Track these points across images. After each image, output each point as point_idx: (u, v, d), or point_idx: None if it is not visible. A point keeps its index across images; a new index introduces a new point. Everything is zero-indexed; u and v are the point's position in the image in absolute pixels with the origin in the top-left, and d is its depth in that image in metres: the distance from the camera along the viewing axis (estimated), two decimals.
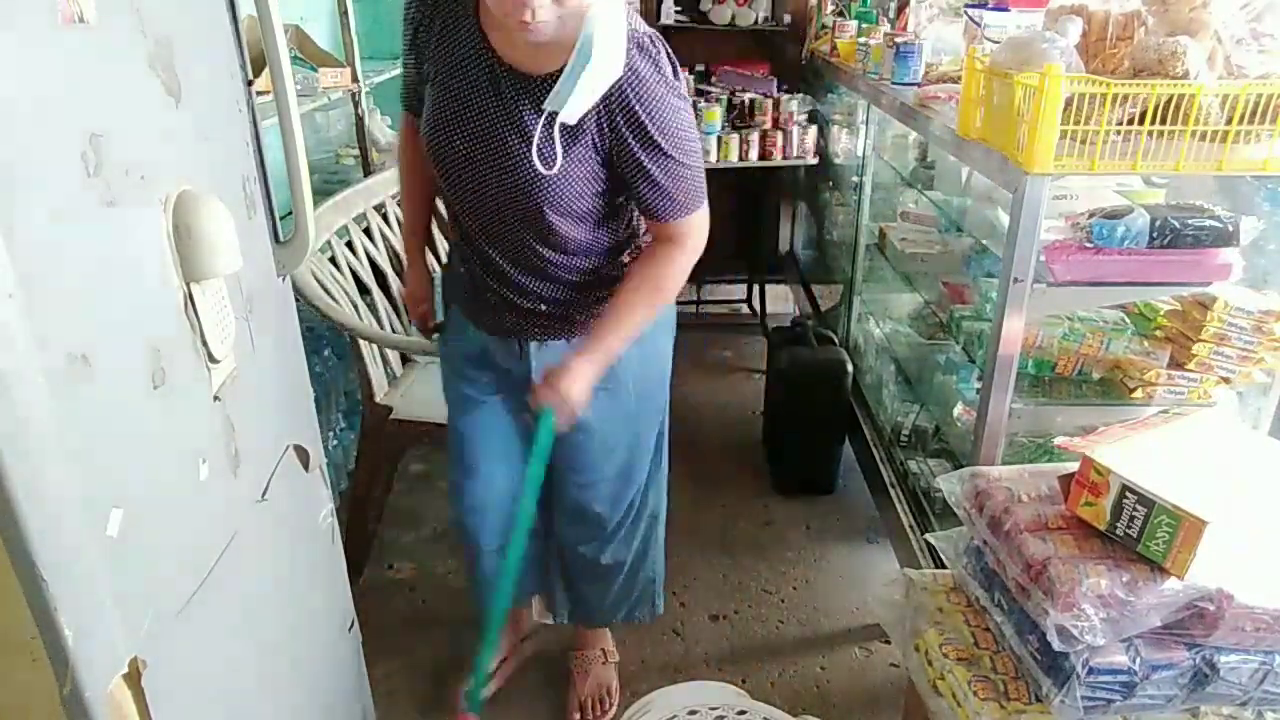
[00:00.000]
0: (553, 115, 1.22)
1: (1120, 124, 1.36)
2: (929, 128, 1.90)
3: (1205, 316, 1.54)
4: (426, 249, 1.73)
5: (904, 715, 1.56)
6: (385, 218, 2.36)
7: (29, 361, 0.62)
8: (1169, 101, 1.32)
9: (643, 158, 1.27)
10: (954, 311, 1.99)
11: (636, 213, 1.44)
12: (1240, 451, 1.28)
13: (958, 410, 1.95)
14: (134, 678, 0.75)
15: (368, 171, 2.65)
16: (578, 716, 1.86)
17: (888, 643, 2.03)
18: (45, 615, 0.66)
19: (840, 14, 3.31)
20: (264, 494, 1.06)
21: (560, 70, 1.19)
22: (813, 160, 3.30)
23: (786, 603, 2.23)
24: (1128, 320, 1.70)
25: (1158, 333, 1.66)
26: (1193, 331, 1.57)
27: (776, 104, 3.19)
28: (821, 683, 1.97)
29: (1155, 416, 1.36)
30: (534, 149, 1.24)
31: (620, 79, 1.20)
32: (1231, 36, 1.42)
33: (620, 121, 1.24)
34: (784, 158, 3.25)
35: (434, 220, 1.80)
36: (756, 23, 3.62)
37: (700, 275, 4.08)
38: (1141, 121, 1.36)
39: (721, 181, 3.75)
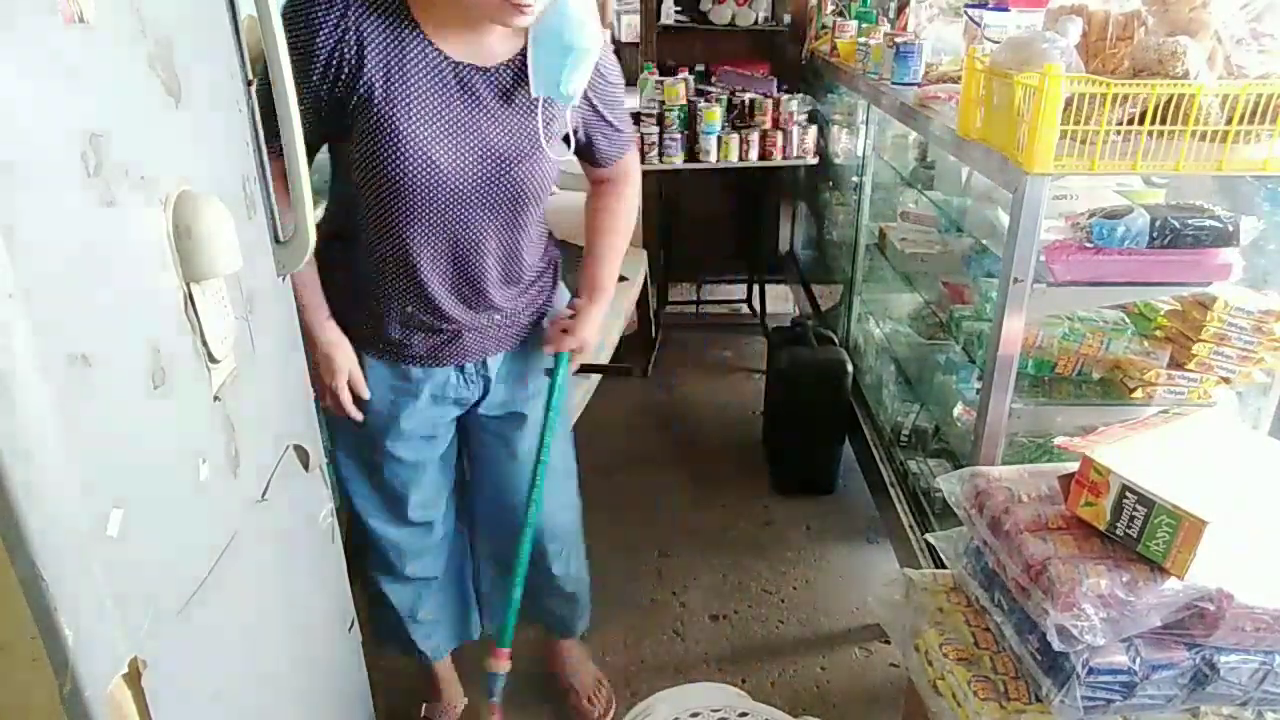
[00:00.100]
0: (547, 101, 1.26)
1: (1120, 124, 1.36)
2: (929, 128, 1.90)
3: (1205, 316, 1.54)
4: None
5: (904, 715, 1.56)
6: None
7: (29, 361, 0.62)
8: (1169, 101, 1.33)
9: (605, 113, 1.38)
10: (954, 311, 1.99)
11: None
12: (1240, 451, 1.28)
13: (958, 410, 1.95)
14: (134, 678, 0.74)
15: None
16: (589, 706, 1.87)
17: (888, 643, 2.03)
18: (45, 615, 0.66)
19: (840, 14, 3.31)
20: (264, 494, 1.06)
21: (515, 56, 1.23)
22: (813, 160, 3.30)
23: (786, 603, 2.23)
24: (1128, 320, 1.70)
25: (1158, 333, 1.66)
26: (1193, 331, 1.57)
27: (776, 104, 3.19)
28: (821, 683, 1.97)
29: (1155, 416, 1.36)
30: (543, 137, 1.27)
31: None
32: (1231, 36, 1.42)
33: (590, 87, 1.31)
34: (784, 158, 3.26)
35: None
36: (756, 23, 3.63)
37: (700, 275, 4.10)
38: (1141, 121, 1.36)
39: (721, 181, 3.80)
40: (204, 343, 0.89)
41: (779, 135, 3.21)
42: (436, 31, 1.18)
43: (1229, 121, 1.32)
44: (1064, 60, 1.41)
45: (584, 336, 1.49)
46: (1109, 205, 1.52)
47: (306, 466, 1.22)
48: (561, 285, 1.56)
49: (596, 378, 2.06)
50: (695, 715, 1.28)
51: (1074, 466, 1.21)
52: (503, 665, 1.58)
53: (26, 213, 0.63)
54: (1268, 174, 1.41)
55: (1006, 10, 1.99)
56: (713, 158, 3.19)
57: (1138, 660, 1.11)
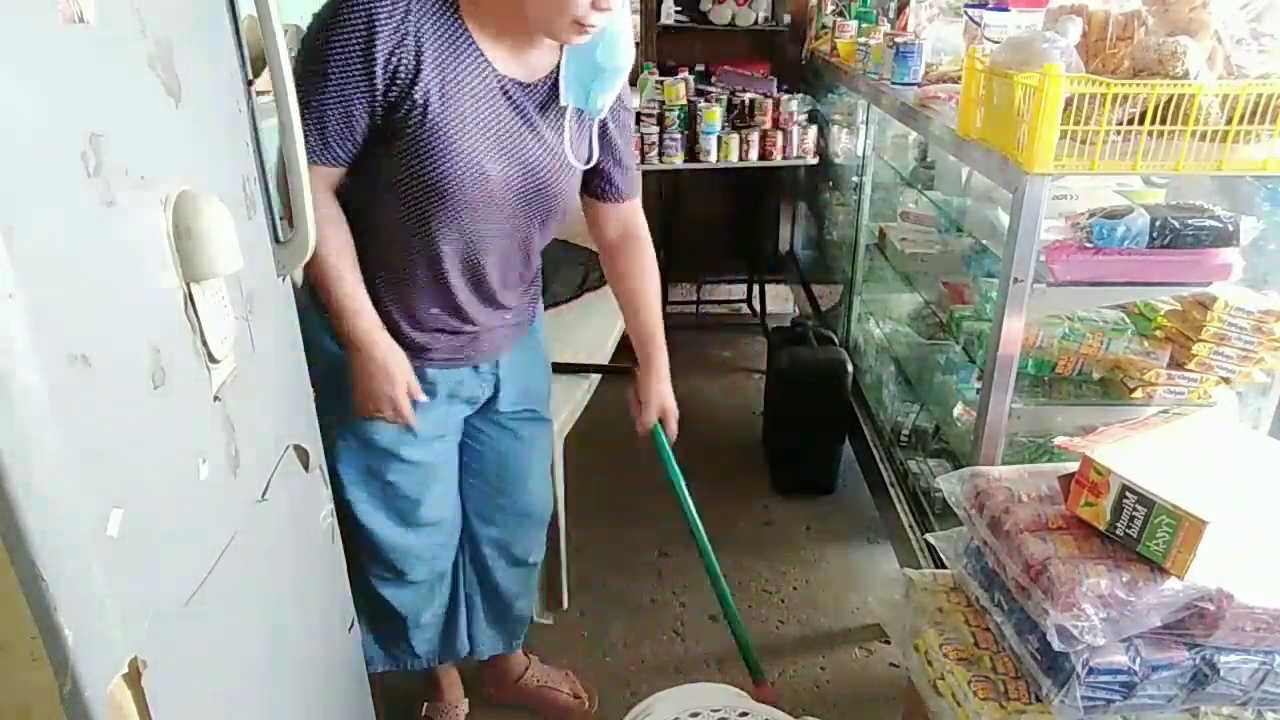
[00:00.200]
0: (578, 112, 1.29)
1: (1120, 124, 1.36)
2: (929, 128, 1.90)
3: (1205, 316, 1.54)
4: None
5: (904, 715, 1.56)
6: None
7: (29, 361, 0.62)
8: (1169, 101, 1.33)
9: (618, 140, 1.41)
10: (954, 311, 1.99)
11: None
12: (1240, 451, 1.28)
13: (958, 410, 1.95)
14: (134, 678, 0.74)
15: None
16: (575, 700, 1.88)
17: (888, 643, 2.03)
18: (45, 615, 0.66)
19: (840, 14, 3.31)
20: (264, 494, 1.06)
21: (551, 73, 1.26)
22: (813, 160, 3.30)
23: (786, 603, 2.23)
24: (1128, 320, 1.70)
25: (1158, 333, 1.66)
26: (1193, 331, 1.57)
27: (776, 104, 3.20)
28: (821, 683, 1.97)
29: (1155, 416, 1.36)
30: (568, 148, 1.30)
31: None
32: (1231, 36, 1.42)
33: (610, 111, 1.35)
34: (784, 158, 3.26)
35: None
36: (756, 23, 3.63)
37: (700, 275, 4.10)
38: (1141, 121, 1.36)
39: (721, 181, 3.80)
40: (204, 343, 0.89)
41: (779, 135, 3.21)
42: (486, 43, 1.18)
43: (1229, 121, 1.32)
44: (1064, 60, 1.41)
45: (668, 407, 1.62)
46: (1109, 205, 1.52)
47: (306, 466, 1.22)
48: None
49: (596, 378, 2.06)
50: (695, 715, 1.28)
51: (1074, 466, 1.21)
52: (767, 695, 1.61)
53: (26, 213, 0.63)
54: (1268, 174, 1.41)
55: (1006, 10, 1.99)
56: (713, 158, 3.19)
57: (1138, 660, 1.11)
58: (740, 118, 3.25)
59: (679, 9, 3.56)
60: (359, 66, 1.12)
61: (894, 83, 2.29)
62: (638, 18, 3.54)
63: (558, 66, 1.26)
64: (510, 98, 1.22)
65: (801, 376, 2.58)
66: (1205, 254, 1.45)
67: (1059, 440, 1.32)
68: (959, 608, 1.34)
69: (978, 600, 1.30)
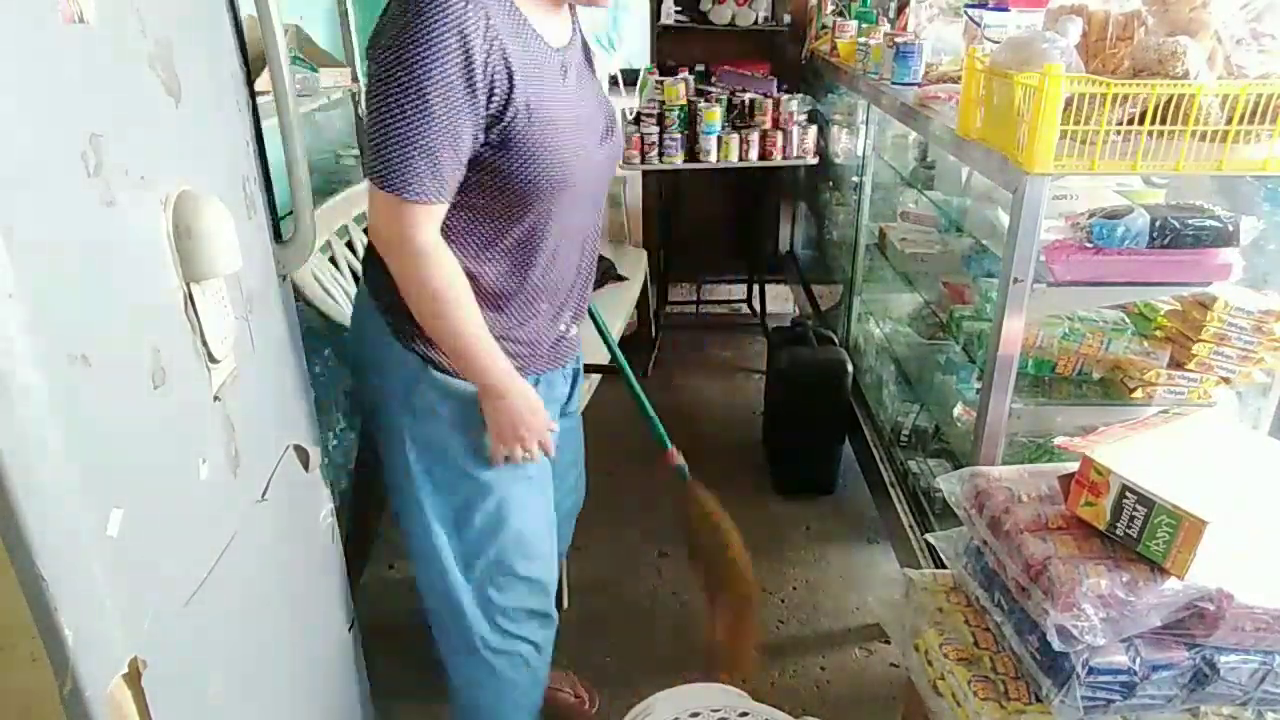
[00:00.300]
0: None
1: (1120, 124, 1.36)
2: (929, 128, 1.90)
3: (1205, 316, 1.54)
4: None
5: (904, 715, 1.56)
6: None
7: (29, 361, 0.62)
8: (1169, 101, 1.32)
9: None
10: (954, 311, 1.99)
11: None
12: (1240, 451, 1.28)
13: (958, 410, 1.95)
14: (134, 678, 0.75)
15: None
16: (577, 699, 1.88)
17: (888, 643, 2.03)
18: (45, 615, 0.66)
19: (840, 14, 3.31)
20: (264, 494, 1.06)
21: (573, 34, 1.24)
22: (813, 160, 3.30)
23: (786, 603, 2.23)
24: (1128, 320, 1.70)
25: (1158, 333, 1.66)
26: (1193, 331, 1.57)
27: (776, 104, 3.19)
28: (821, 683, 1.97)
29: (1155, 416, 1.36)
30: (618, 111, 1.31)
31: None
32: (1231, 36, 1.42)
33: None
34: (784, 158, 3.26)
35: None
36: (756, 23, 3.62)
37: (700, 275, 4.10)
38: (1141, 121, 1.36)
39: (721, 181, 3.80)
40: (204, 343, 0.89)
41: (779, 135, 3.21)
42: (534, 17, 1.12)
43: (1229, 121, 1.32)
44: (1064, 60, 1.41)
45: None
46: (1109, 205, 1.52)
47: (306, 466, 1.22)
48: None
49: (596, 378, 2.06)
50: (695, 715, 1.28)
51: (1074, 466, 1.21)
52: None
53: (26, 213, 0.63)
54: (1268, 174, 1.41)
55: (1006, 10, 1.99)
56: (713, 158, 3.18)
57: (1138, 660, 1.11)
58: (740, 118, 3.25)
59: (679, 9, 3.56)
60: (461, 90, 1.02)
61: (894, 83, 2.29)
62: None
63: (574, 26, 1.25)
64: (565, 69, 1.18)
65: (801, 376, 2.58)
66: (1205, 254, 1.45)
67: (1059, 440, 1.32)
68: (959, 608, 1.34)
69: (978, 600, 1.30)
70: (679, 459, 1.73)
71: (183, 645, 0.85)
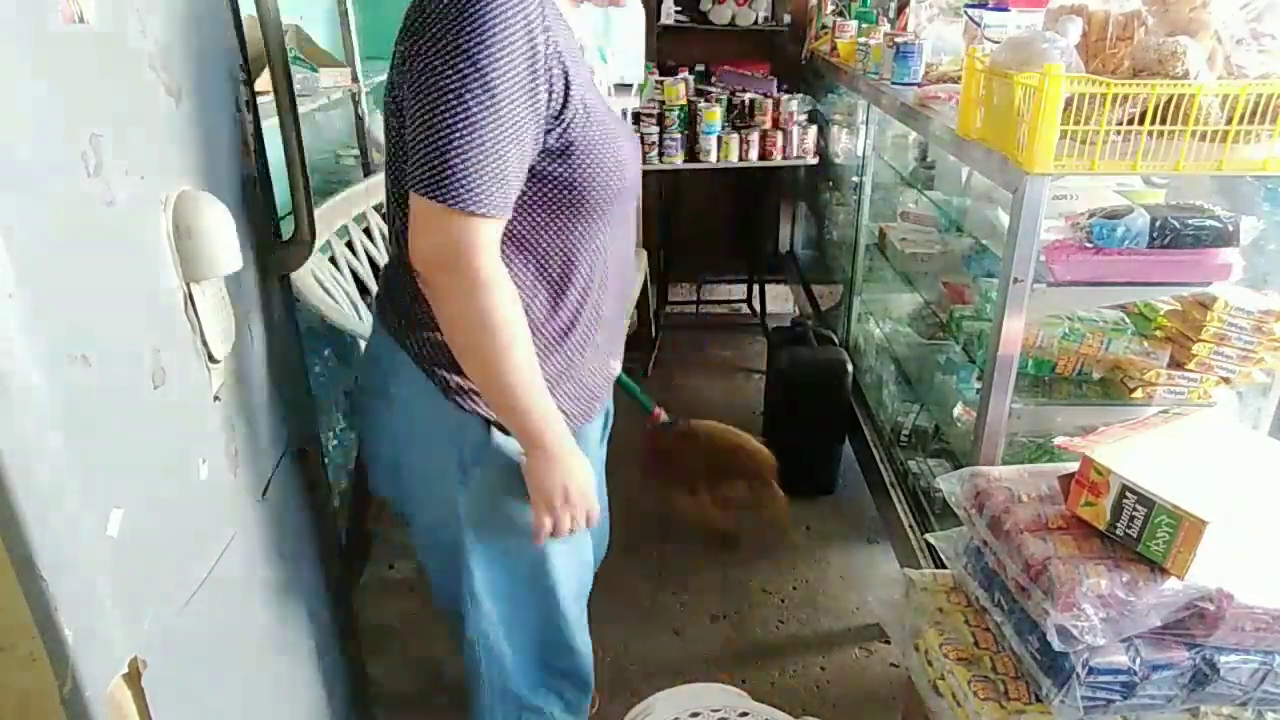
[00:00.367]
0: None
1: (1120, 124, 1.36)
2: (929, 128, 1.90)
3: (1205, 316, 1.54)
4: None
5: (904, 715, 1.56)
6: (385, 218, 2.36)
7: (29, 361, 0.62)
8: (1169, 101, 1.32)
9: None
10: (954, 311, 1.99)
11: None
12: (1240, 451, 1.28)
13: (958, 410, 1.95)
14: (134, 678, 0.75)
15: (367, 171, 2.65)
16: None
17: (888, 643, 2.03)
18: (45, 615, 0.66)
19: (840, 14, 3.31)
20: (264, 494, 1.06)
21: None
22: (813, 160, 3.30)
23: (786, 603, 2.23)
24: (1128, 320, 1.70)
25: (1158, 333, 1.66)
26: (1193, 331, 1.57)
27: (776, 104, 3.19)
28: (821, 683, 1.97)
29: (1155, 416, 1.36)
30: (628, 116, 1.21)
31: None
32: (1231, 36, 1.42)
33: None
34: (784, 158, 3.26)
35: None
36: (756, 23, 3.63)
37: (700, 275, 4.10)
38: (1141, 121, 1.36)
39: (721, 181, 3.80)
40: (204, 343, 0.89)
41: (779, 135, 3.21)
42: (565, 10, 1.01)
43: (1229, 121, 1.32)
44: (1064, 60, 1.41)
45: None
46: (1109, 205, 1.52)
47: (306, 467, 1.22)
48: None
49: None
50: (695, 715, 1.28)
51: (1074, 466, 1.21)
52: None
53: (27, 213, 0.63)
54: (1268, 174, 1.41)
55: (1006, 10, 1.99)
56: (713, 158, 3.19)
57: (1138, 660, 1.11)
58: (740, 118, 3.25)
59: (679, 9, 3.56)
60: (527, 85, 0.89)
61: (894, 83, 2.29)
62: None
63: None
64: (589, 66, 1.06)
65: (801, 376, 2.58)
66: (1205, 254, 1.45)
67: (1059, 440, 1.32)
68: (959, 608, 1.34)
69: (978, 600, 1.30)
70: (664, 415, 1.68)
71: (183, 645, 0.85)
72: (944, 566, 1.41)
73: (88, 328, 0.70)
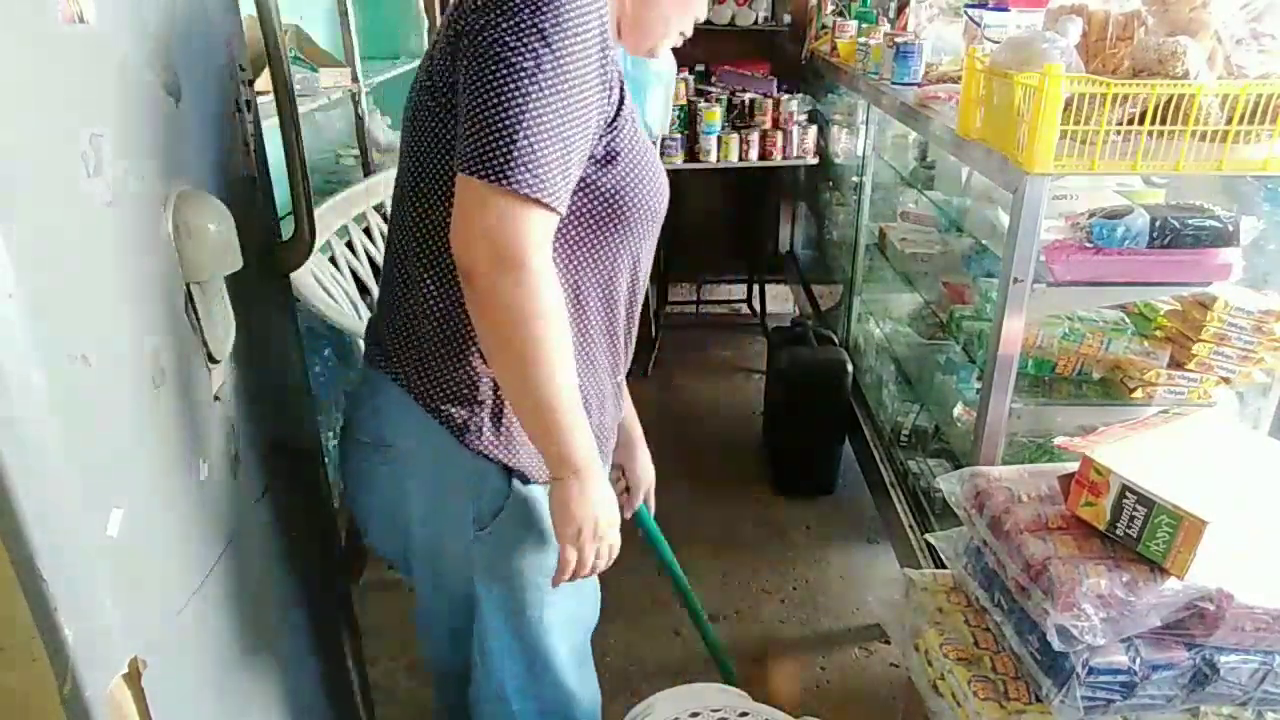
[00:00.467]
0: None
1: (1120, 124, 1.36)
2: (929, 128, 1.90)
3: (1205, 316, 1.54)
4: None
5: (904, 715, 1.56)
6: (385, 218, 2.36)
7: (29, 361, 0.62)
8: (1169, 101, 1.32)
9: None
10: (954, 311, 1.99)
11: None
12: (1240, 451, 1.28)
13: (958, 410, 1.95)
14: (134, 678, 0.75)
15: (367, 171, 2.65)
16: None
17: (888, 643, 2.03)
18: (45, 615, 0.66)
19: (840, 14, 3.31)
20: (264, 494, 1.06)
21: None
22: (813, 160, 3.30)
23: (786, 603, 2.23)
24: (1128, 320, 1.70)
25: (1158, 333, 1.66)
26: (1193, 331, 1.57)
27: (776, 104, 3.20)
28: (821, 683, 1.97)
29: (1155, 416, 1.36)
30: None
31: None
32: (1231, 36, 1.42)
33: None
34: (784, 158, 3.26)
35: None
36: (756, 23, 3.62)
37: (700, 275, 4.10)
38: (1141, 121, 1.36)
39: (721, 181, 3.79)
40: (204, 343, 0.89)
41: (779, 135, 3.21)
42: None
43: (1229, 121, 1.32)
44: (1064, 60, 1.41)
45: (649, 477, 1.35)
46: (1109, 205, 1.52)
47: (307, 466, 1.22)
48: None
49: None
50: (695, 715, 1.28)
51: (1074, 466, 1.21)
52: None
53: (26, 213, 0.63)
54: (1268, 174, 1.41)
55: (1006, 10, 1.99)
56: (713, 158, 3.19)
57: (1138, 660, 1.11)
58: (740, 118, 3.25)
59: None
60: (597, 76, 0.85)
61: (894, 83, 2.29)
62: None
63: None
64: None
65: (801, 376, 2.58)
66: (1205, 254, 1.45)
67: (1059, 440, 1.32)
68: (959, 608, 1.34)
69: (978, 600, 1.30)
70: None
71: (183, 645, 0.85)
72: (944, 566, 1.41)
73: (88, 327, 0.70)
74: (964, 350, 1.91)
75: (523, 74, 0.79)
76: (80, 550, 0.69)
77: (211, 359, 0.90)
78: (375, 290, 2.20)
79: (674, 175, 3.75)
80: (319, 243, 1.99)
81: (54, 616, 0.66)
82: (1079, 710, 1.11)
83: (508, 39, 0.79)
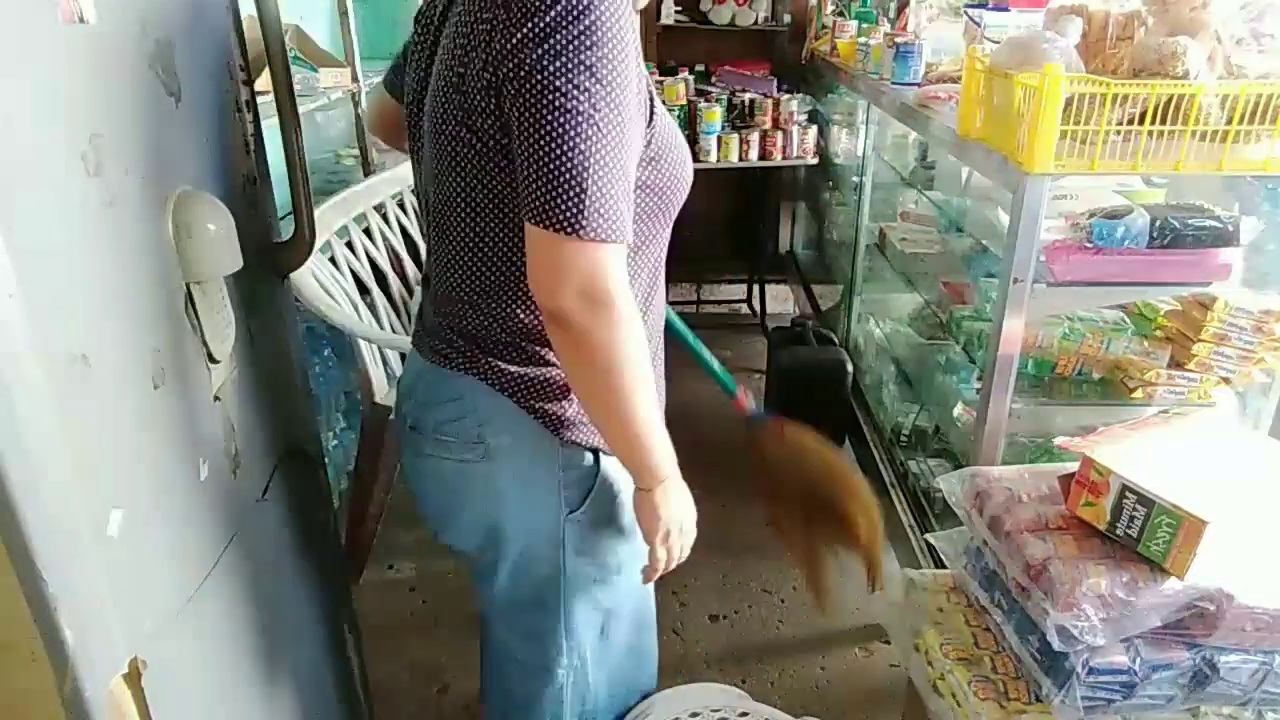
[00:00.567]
0: None
1: (1120, 124, 1.36)
2: (929, 128, 1.90)
3: (1205, 316, 1.54)
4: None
5: (904, 715, 1.56)
6: (385, 218, 2.36)
7: (29, 361, 0.62)
8: (1169, 101, 1.32)
9: None
10: (954, 311, 1.99)
11: None
12: (1240, 451, 1.28)
13: (958, 410, 1.95)
14: (134, 678, 0.75)
15: (368, 171, 2.65)
16: None
17: (888, 643, 2.02)
18: (45, 615, 0.66)
19: (840, 14, 3.31)
20: (264, 494, 1.06)
21: None
22: (813, 160, 3.30)
23: (786, 603, 2.23)
24: (1128, 320, 1.70)
25: (1158, 333, 1.66)
26: (1193, 331, 1.57)
27: (776, 104, 3.20)
28: (821, 683, 1.97)
29: (1155, 416, 1.36)
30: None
31: None
32: (1231, 36, 1.42)
33: None
34: (784, 158, 3.26)
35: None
36: (756, 23, 3.62)
37: (700, 275, 4.10)
38: (1141, 121, 1.36)
39: (721, 181, 3.79)
40: (204, 343, 0.89)
41: (779, 135, 3.21)
42: None
43: (1229, 121, 1.32)
44: (1064, 60, 1.41)
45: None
46: (1109, 205, 1.52)
47: (307, 467, 1.22)
48: None
49: None
50: (695, 715, 1.28)
51: (1074, 466, 1.21)
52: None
53: (26, 213, 0.63)
54: (1268, 174, 1.41)
55: (1006, 10, 1.99)
56: (713, 158, 3.18)
57: (1138, 660, 1.11)
58: (740, 118, 3.25)
59: (679, 9, 3.56)
60: (637, 100, 0.84)
61: (894, 83, 2.29)
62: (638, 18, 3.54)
63: None
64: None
65: (801, 376, 2.58)
66: (1205, 254, 1.45)
67: (1059, 440, 1.32)
68: (959, 608, 1.34)
69: (978, 600, 1.30)
70: (750, 401, 1.50)
71: (183, 645, 0.85)
72: (944, 566, 1.41)
73: (88, 328, 0.70)
74: (964, 350, 1.91)
75: (580, 117, 0.78)
76: (80, 550, 0.69)
77: (211, 359, 0.90)
78: (375, 290, 2.20)
79: None
80: (319, 243, 1.99)
81: (54, 616, 0.66)
82: (1079, 710, 1.11)
83: (558, 83, 0.78)
